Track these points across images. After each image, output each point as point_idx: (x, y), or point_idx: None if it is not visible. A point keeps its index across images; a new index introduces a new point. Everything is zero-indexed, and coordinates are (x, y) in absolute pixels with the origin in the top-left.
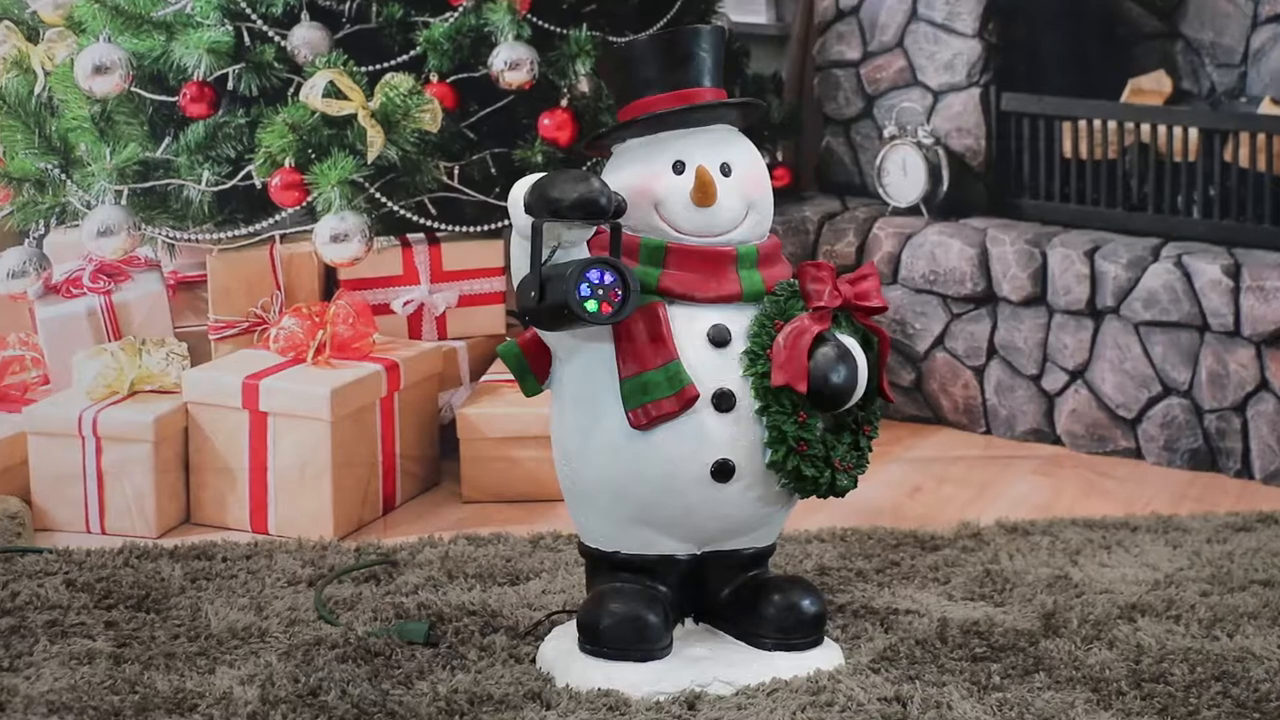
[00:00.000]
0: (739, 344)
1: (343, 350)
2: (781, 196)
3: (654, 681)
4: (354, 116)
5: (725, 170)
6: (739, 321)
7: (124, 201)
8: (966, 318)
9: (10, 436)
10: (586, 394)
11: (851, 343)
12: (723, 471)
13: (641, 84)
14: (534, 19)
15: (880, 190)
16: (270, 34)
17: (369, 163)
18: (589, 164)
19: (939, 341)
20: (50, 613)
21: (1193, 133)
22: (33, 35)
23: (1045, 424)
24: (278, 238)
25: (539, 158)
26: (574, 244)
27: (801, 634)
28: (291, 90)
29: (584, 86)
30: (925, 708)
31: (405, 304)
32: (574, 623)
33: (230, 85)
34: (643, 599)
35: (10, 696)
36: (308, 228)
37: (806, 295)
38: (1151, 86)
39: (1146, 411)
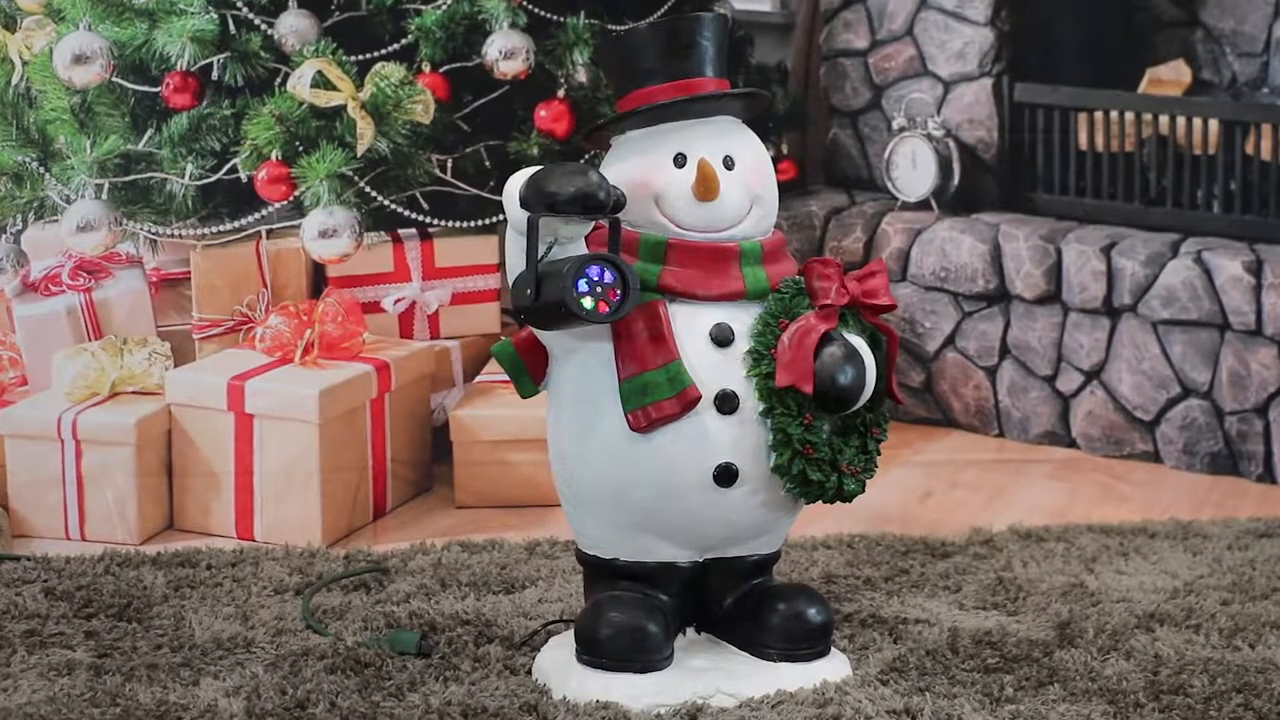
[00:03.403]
0: (742, 343)
1: (332, 350)
2: (786, 190)
3: (654, 693)
4: (343, 108)
5: (728, 163)
6: (742, 320)
7: (104, 196)
8: (978, 316)
9: None
10: (584, 395)
11: (859, 342)
12: (725, 475)
13: (641, 74)
14: (530, 6)
15: (889, 184)
16: (256, 22)
17: (359, 156)
18: (587, 157)
19: (950, 341)
20: (28, 622)
21: (1213, 124)
22: (10, 23)
23: (1060, 426)
24: (264, 233)
25: (535, 150)
26: (571, 240)
27: (807, 644)
28: (278, 80)
29: (582, 76)
30: None
31: (396, 302)
32: (571, 632)
33: (215, 75)
34: (642, 608)
35: None
36: (295, 223)
37: (812, 293)
38: (1170, 77)
39: (1165, 413)
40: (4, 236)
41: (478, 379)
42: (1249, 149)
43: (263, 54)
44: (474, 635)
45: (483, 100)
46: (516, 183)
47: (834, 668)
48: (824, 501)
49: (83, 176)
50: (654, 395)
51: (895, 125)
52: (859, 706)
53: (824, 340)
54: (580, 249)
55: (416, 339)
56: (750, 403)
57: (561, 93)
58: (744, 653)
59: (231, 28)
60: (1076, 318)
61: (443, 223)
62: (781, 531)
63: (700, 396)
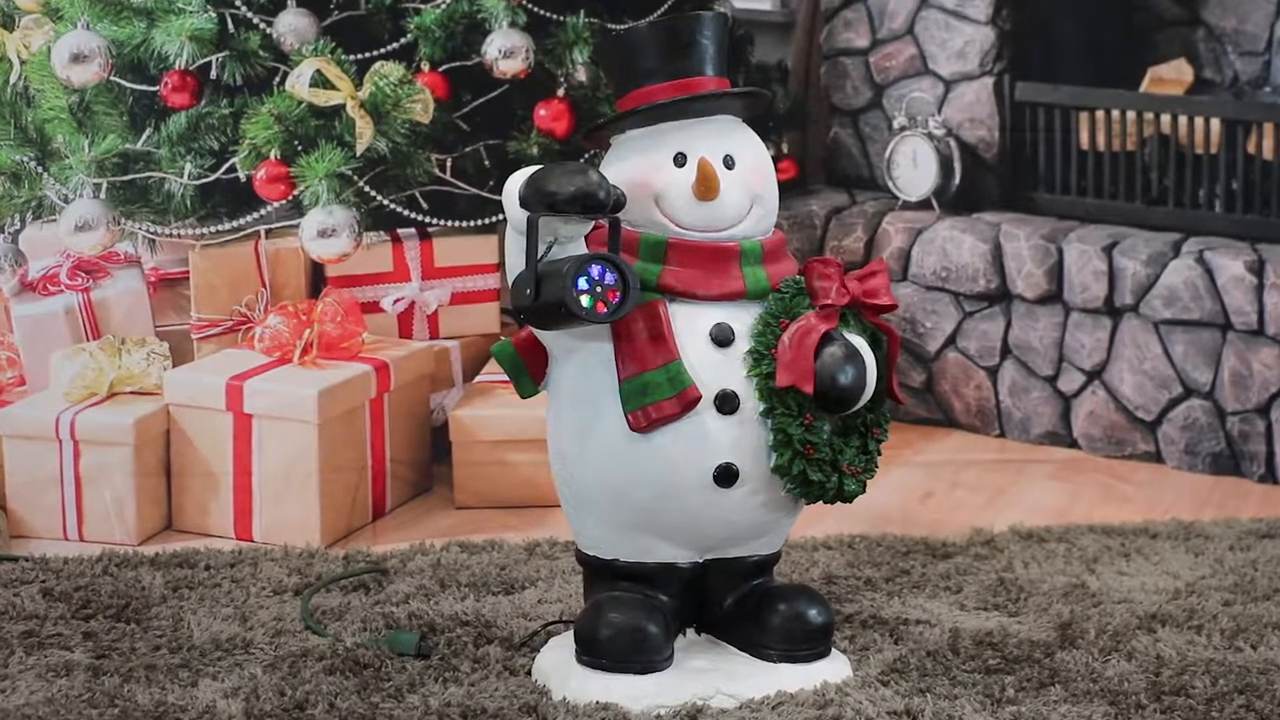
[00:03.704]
0: (743, 343)
1: (330, 350)
2: (787, 190)
3: (654, 694)
4: (342, 107)
5: (728, 163)
6: (743, 320)
7: (103, 195)
8: (979, 316)
9: None
10: (584, 395)
11: (860, 342)
12: (726, 476)
13: (641, 73)
14: (529, 5)
15: (889, 183)
16: (255, 21)
17: (358, 155)
18: (587, 156)
19: (950, 341)
20: (26, 623)
21: (1215, 124)
22: (8, 22)
23: (1061, 426)
24: (263, 233)
25: (535, 150)
26: (571, 239)
27: (808, 645)
28: (277, 79)
29: (581, 75)
30: None
31: (395, 302)
32: (571, 633)
33: (213, 74)
34: (642, 609)
35: None
36: (294, 223)
37: (813, 292)
38: (1172, 75)
39: (1167, 413)
40: (2, 236)
41: (477, 379)
42: (1251, 148)
43: (261, 53)
44: (473, 636)
45: (482, 99)
46: (516, 182)
47: (834, 669)
48: (824, 502)
49: (81, 176)
50: (654, 395)
51: (896, 124)
52: (859, 708)
53: (824, 340)
54: (580, 249)
55: (416, 339)
56: (750, 403)
57: (561, 92)
58: (744, 653)
59: (230, 26)
60: (1078, 317)
61: (442, 222)
62: (782, 532)
63: (700, 396)
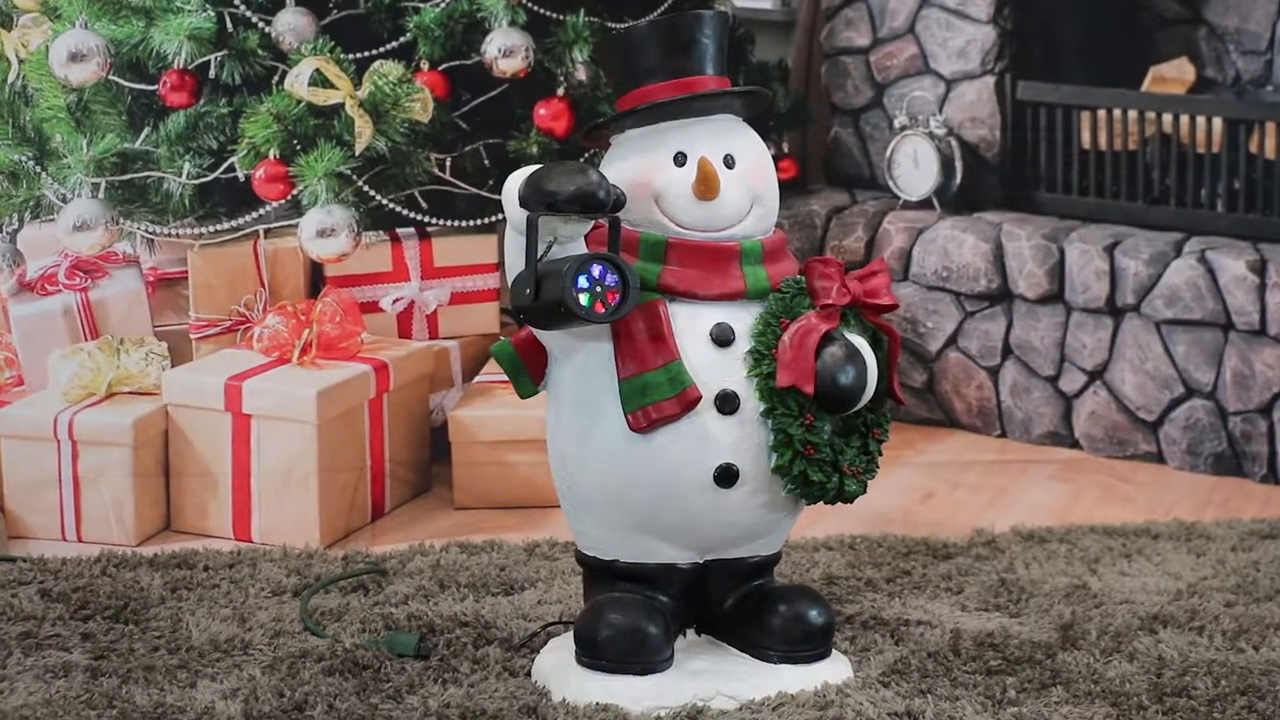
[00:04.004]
0: (743, 343)
1: (329, 350)
2: (787, 189)
3: (654, 695)
4: (341, 106)
5: (729, 162)
6: (743, 320)
7: (101, 195)
8: (980, 316)
9: None
10: (584, 395)
11: (860, 342)
12: (726, 476)
13: (641, 72)
14: (529, 4)
15: (890, 183)
16: (254, 20)
17: (357, 154)
18: (586, 155)
19: (952, 341)
20: (24, 624)
21: (1216, 123)
22: (6, 21)
23: (1063, 427)
24: (262, 232)
25: (534, 149)
26: (571, 239)
27: (808, 646)
28: (276, 79)
29: (581, 74)
30: None
31: (395, 302)
32: (571, 634)
33: (212, 73)
34: (642, 609)
35: None
36: (293, 222)
37: (814, 292)
38: (1174, 75)
39: (1168, 414)
40: (0, 236)
41: (477, 379)
42: (1253, 147)
43: (260, 52)
44: (473, 637)
45: (482, 99)
46: (516, 182)
47: (835, 670)
48: (825, 502)
49: (79, 175)
50: (654, 395)
51: (897, 124)
52: (860, 709)
53: (825, 340)
54: (580, 248)
55: (415, 339)
56: (751, 403)
57: (561, 91)
58: (744, 654)
59: (229, 26)
60: (1079, 317)
61: (441, 222)
62: (782, 532)
63: (700, 397)
